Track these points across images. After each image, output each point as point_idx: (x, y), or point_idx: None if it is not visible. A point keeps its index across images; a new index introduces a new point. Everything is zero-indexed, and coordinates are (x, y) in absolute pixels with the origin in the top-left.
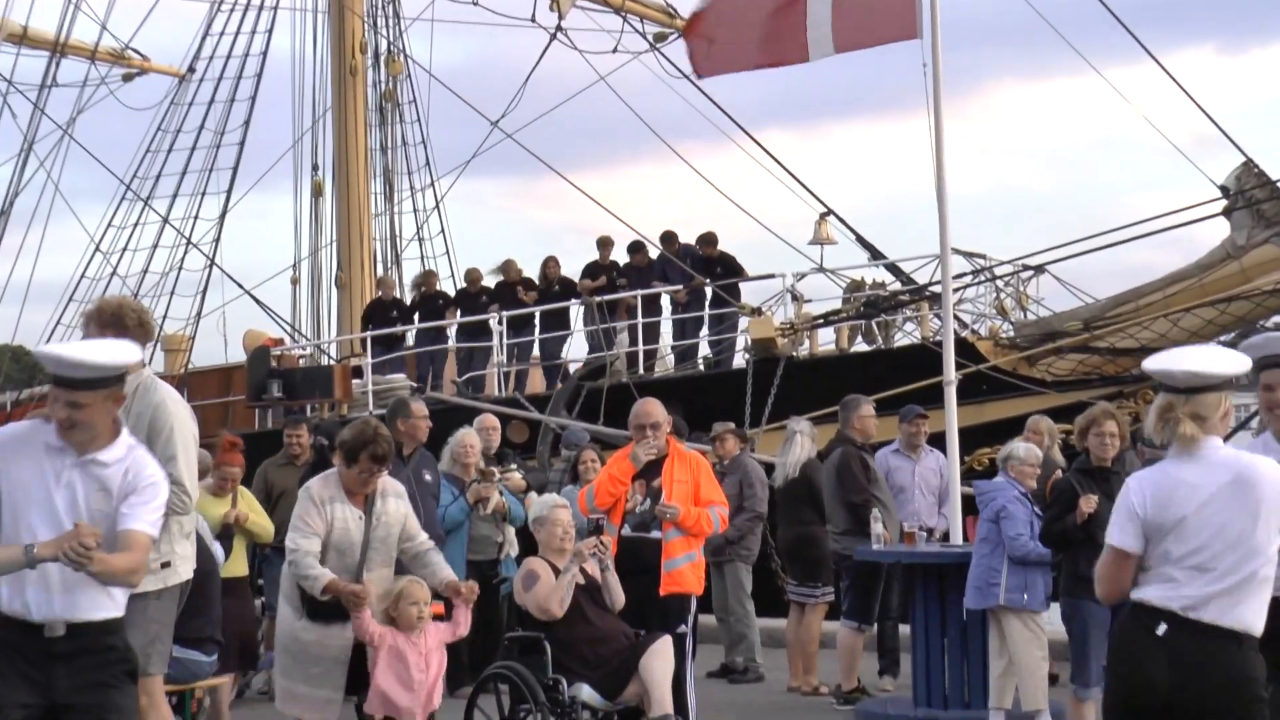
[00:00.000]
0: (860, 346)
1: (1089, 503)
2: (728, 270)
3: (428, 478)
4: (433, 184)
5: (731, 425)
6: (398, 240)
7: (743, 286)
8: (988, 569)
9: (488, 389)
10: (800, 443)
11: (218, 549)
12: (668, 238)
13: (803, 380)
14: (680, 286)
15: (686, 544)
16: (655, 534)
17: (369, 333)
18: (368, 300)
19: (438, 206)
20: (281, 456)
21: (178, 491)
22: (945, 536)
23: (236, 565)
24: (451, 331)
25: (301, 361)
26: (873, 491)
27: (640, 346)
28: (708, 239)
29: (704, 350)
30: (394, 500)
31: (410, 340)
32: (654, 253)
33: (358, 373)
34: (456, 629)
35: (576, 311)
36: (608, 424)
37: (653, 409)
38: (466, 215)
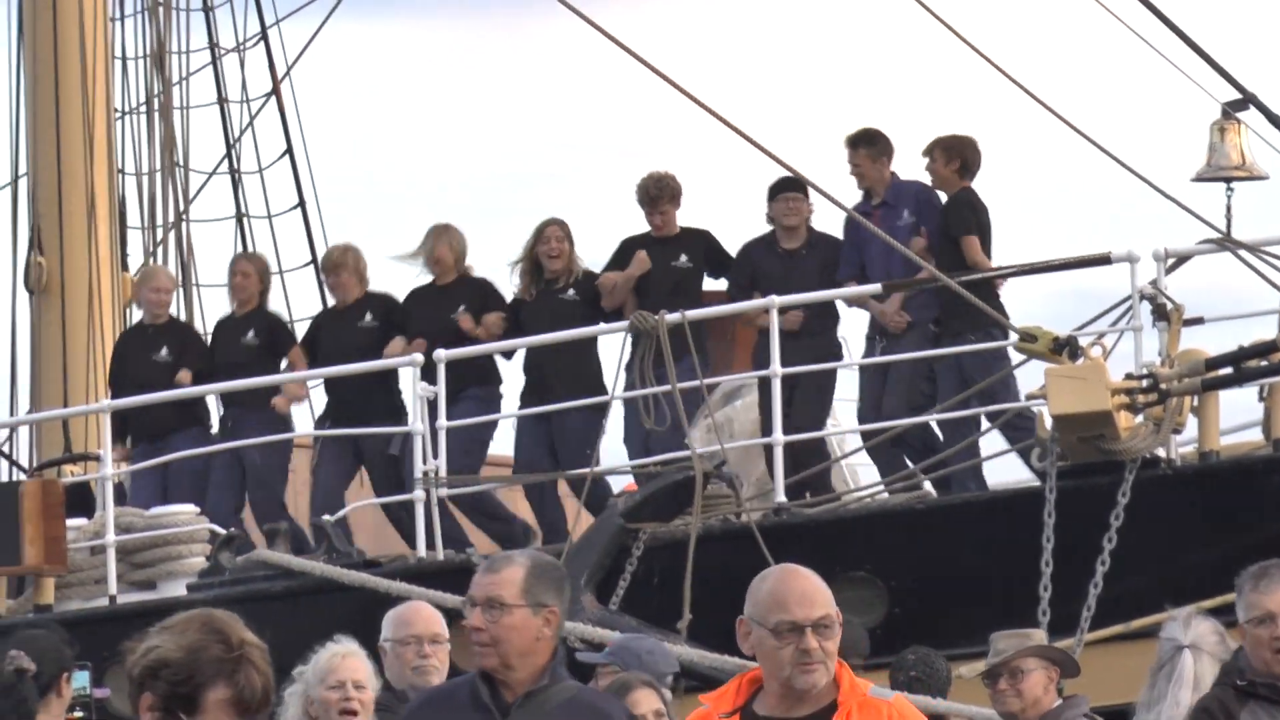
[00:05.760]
0: None
1: None
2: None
3: None
4: (263, 35)
5: (1038, 636)
6: (180, 175)
7: (1019, 287)
8: None
9: (378, 539)
10: (1190, 673)
11: None
12: (868, 139)
13: (1185, 517)
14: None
15: None
16: None
17: (108, 403)
18: (106, 313)
19: (276, 92)
20: None
21: None
22: None
23: None
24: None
25: None
26: None
27: (776, 435)
28: (960, 152)
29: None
30: None
31: (213, 421)
32: (828, 218)
33: (83, 499)
34: None
35: (619, 349)
36: (704, 628)
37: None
38: (346, 113)
